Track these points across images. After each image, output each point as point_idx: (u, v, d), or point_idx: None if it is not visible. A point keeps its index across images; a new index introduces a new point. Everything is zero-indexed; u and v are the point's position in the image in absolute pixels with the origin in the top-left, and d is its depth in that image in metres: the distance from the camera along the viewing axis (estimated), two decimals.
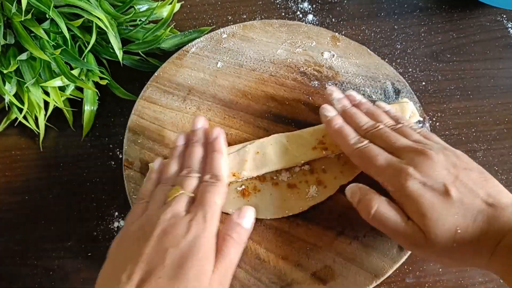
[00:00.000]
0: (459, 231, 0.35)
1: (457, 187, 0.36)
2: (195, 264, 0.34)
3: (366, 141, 0.42)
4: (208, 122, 0.46)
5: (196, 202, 0.38)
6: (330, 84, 0.51)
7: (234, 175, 0.45)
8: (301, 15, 0.60)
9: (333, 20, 0.60)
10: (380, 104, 0.47)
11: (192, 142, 0.44)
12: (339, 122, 0.45)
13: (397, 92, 0.51)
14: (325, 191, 0.45)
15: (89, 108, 0.53)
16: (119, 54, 0.51)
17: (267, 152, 0.46)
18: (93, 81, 0.53)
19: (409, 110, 0.48)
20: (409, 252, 0.44)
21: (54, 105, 0.51)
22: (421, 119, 0.49)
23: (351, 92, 0.48)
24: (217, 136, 0.43)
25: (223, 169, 0.41)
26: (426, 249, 0.37)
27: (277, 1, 0.61)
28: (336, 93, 0.47)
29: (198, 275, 0.33)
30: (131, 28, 0.55)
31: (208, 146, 0.43)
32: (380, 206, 0.39)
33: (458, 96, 0.55)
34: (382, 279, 0.43)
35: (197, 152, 0.43)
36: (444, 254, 0.36)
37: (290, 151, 0.46)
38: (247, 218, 0.39)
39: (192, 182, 0.40)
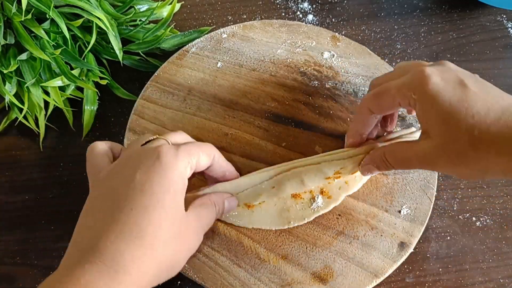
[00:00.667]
0: (476, 133, 0.32)
1: (477, 86, 0.34)
2: (159, 191, 0.33)
3: None
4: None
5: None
6: (330, 83, 0.51)
7: (248, 206, 0.45)
8: (301, 15, 0.60)
9: (333, 20, 0.60)
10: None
11: None
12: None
13: None
14: (330, 201, 0.45)
15: (89, 108, 0.53)
16: (119, 54, 0.51)
17: (282, 186, 0.44)
18: (93, 81, 0.53)
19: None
20: (409, 252, 0.44)
21: (54, 105, 0.51)
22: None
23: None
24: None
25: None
26: (442, 160, 0.35)
27: (277, 1, 0.61)
28: None
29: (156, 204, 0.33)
30: (131, 28, 0.55)
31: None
32: (388, 149, 0.39)
33: None
34: (382, 278, 0.43)
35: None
36: (462, 162, 0.34)
37: (303, 182, 0.44)
38: (231, 203, 0.42)
39: (179, 136, 0.39)
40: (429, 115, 0.35)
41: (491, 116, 0.32)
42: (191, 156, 0.36)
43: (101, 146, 0.39)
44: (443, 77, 0.35)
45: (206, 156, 0.38)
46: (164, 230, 0.33)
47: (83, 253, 0.31)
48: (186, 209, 0.37)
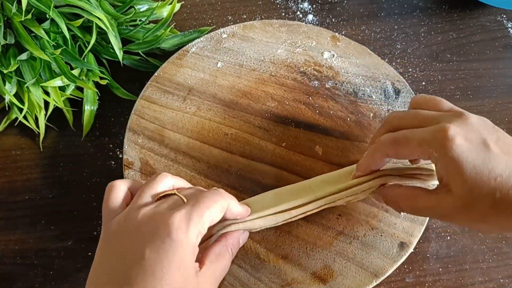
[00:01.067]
0: (498, 195, 0.33)
1: (499, 146, 0.34)
2: (169, 267, 0.32)
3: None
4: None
5: (186, 202, 0.35)
6: (330, 83, 0.51)
7: None
8: (301, 15, 0.60)
9: (333, 20, 0.60)
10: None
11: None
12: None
13: (397, 92, 0.51)
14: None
15: (89, 108, 0.53)
16: (119, 54, 0.51)
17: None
18: (93, 81, 0.53)
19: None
20: (409, 252, 0.44)
21: (54, 105, 0.51)
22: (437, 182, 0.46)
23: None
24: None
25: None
26: (461, 217, 0.35)
27: (277, 1, 0.61)
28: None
29: (171, 280, 0.32)
30: (131, 28, 0.55)
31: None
32: (403, 194, 0.38)
33: (458, 96, 0.55)
34: (382, 278, 0.43)
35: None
36: (483, 220, 0.34)
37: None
38: (243, 236, 0.40)
39: (189, 189, 0.38)
40: (451, 175, 0.35)
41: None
42: (204, 221, 0.34)
43: (120, 188, 0.38)
44: (467, 138, 0.34)
45: (219, 212, 0.36)
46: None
47: None
48: (201, 263, 0.36)
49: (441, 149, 0.34)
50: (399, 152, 0.38)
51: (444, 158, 0.34)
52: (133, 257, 0.33)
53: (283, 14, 0.60)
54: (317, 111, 0.50)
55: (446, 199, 0.35)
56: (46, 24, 0.49)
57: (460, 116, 0.36)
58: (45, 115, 0.51)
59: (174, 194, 0.36)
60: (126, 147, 0.48)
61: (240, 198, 0.46)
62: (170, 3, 0.55)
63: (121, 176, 0.48)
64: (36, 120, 0.52)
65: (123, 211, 0.36)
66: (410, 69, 0.56)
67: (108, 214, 0.37)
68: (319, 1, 0.61)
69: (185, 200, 0.35)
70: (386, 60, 0.55)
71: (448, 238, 0.48)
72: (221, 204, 0.36)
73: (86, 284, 0.34)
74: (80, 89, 0.53)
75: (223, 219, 0.39)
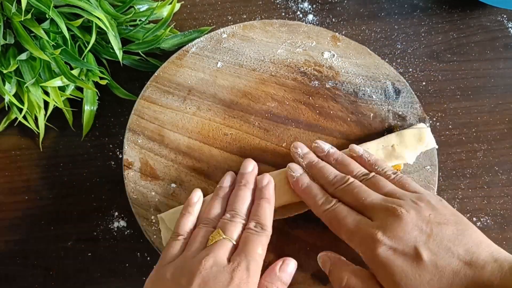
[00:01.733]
0: None
1: (430, 249, 0.34)
2: None
3: (334, 201, 0.40)
4: (257, 167, 0.45)
5: (238, 250, 0.37)
6: (330, 83, 0.51)
7: None
8: (301, 15, 0.60)
9: (333, 20, 0.60)
10: (353, 148, 0.45)
11: (240, 185, 0.42)
12: (305, 181, 0.42)
13: (397, 92, 0.51)
14: None
15: (89, 108, 0.53)
16: (119, 54, 0.51)
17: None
18: (93, 81, 0.53)
19: (426, 137, 0.46)
20: None
21: (54, 105, 0.51)
22: (436, 146, 0.46)
23: (318, 142, 0.45)
24: (268, 183, 0.42)
25: (270, 218, 0.40)
26: None
27: (277, 1, 0.61)
28: (300, 148, 0.45)
29: None
30: (131, 28, 0.55)
31: (257, 192, 0.42)
32: (350, 279, 0.37)
33: (458, 96, 0.55)
34: None
35: (245, 197, 0.41)
36: None
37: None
38: (288, 272, 0.39)
39: (236, 228, 0.39)
40: (382, 276, 0.35)
41: (444, 282, 0.33)
42: (259, 267, 0.37)
43: (186, 226, 0.41)
44: (396, 250, 0.35)
45: (266, 245, 0.39)
46: None
47: None
48: None
49: (369, 254, 0.36)
50: (330, 226, 0.40)
51: (372, 261, 0.36)
52: None
53: (283, 14, 0.60)
54: (317, 111, 0.50)
55: None
56: (46, 24, 0.49)
57: (393, 214, 0.36)
58: (45, 115, 0.51)
59: (225, 238, 0.38)
60: (126, 147, 0.48)
61: None
62: (170, 3, 0.55)
63: (121, 176, 0.48)
64: (36, 120, 0.52)
65: (180, 254, 0.38)
66: (410, 69, 0.56)
67: (165, 250, 0.39)
68: (319, 1, 0.61)
69: (234, 242, 0.38)
70: (387, 60, 0.55)
71: None
72: (266, 242, 0.39)
73: None
74: (80, 89, 0.53)
75: None
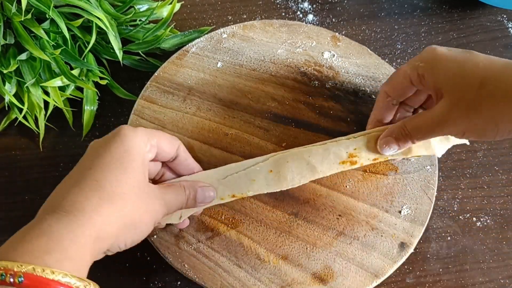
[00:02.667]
0: (484, 75, 0.35)
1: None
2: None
3: None
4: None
5: None
6: (330, 83, 0.51)
7: (234, 196, 0.43)
8: (301, 15, 0.60)
9: (334, 20, 0.60)
10: None
11: None
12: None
13: None
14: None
15: (89, 108, 0.53)
16: (119, 54, 0.51)
17: (282, 170, 0.43)
18: (93, 81, 0.53)
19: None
20: (410, 252, 0.44)
21: (54, 105, 0.51)
22: (468, 142, 0.46)
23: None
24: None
25: None
26: (453, 113, 0.37)
27: (277, 1, 0.61)
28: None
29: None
30: (131, 28, 0.55)
31: None
32: (407, 120, 0.41)
33: None
34: (382, 279, 0.43)
35: None
36: (474, 111, 0.36)
37: (312, 166, 0.43)
38: (207, 194, 0.42)
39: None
40: (438, 74, 0.38)
41: (496, 66, 0.35)
42: (151, 136, 0.39)
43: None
44: (449, 48, 0.39)
45: (168, 143, 0.40)
46: (123, 185, 0.35)
47: (48, 210, 0.34)
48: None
49: (425, 55, 0.39)
50: (394, 83, 0.43)
51: (430, 62, 0.38)
52: (89, 158, 0.37)
53: (283, 14, 0.60)
54: (317, 111, 0.50)
55: (441, 103, 0.38)
56: (46, 24, 0.49)
57: None
58: (45, 115, 0.51)
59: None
60: None
61: (241, 199, 0.46)
62: (170, 3, 0.55)
63: None
64: (36, 120, 0.52)
65: None
66: None
67: None
68: (319, 1, 0.61)
69: None
70: (387, 60, 0.55)
71: (449, 238, 0.48)
72: (172, 139, 0.41)
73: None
74: (80, 89, 0.53)
75: None
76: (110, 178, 0.35)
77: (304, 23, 0.56)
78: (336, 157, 0.43)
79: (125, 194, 0.35)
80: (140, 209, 0.36)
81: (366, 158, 0.44)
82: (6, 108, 0.52)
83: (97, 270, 0.47)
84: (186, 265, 0.43)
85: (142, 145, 0.37)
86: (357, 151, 0.43)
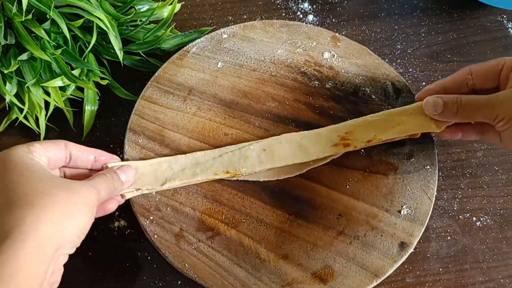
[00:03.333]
0: None
1: None
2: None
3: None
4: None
5: None
6: (330, 84, 0.51)
7: (228, 173, 0.45)
8: (301, 16, 0.60)
9: (334, 20, 0.60)
10: None
11: None
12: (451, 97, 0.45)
13: (398, 92, 0.51)
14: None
15: (89, 108, 0.53)
16: (120, 54, 0.51)
17: (276, 149, 0.46)
18: (93, 81, 0.53)
19: None
20: (410, 252, 0.44)
21: (55, 105, 0.51)
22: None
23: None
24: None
25: None
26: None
27: (278, 2, 0.61)
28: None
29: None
30: (132, 28, 0.55)
31: None
32: (465, 96, 0.42)
33: None
34: (382, 278, 0.43)
35: None
36: None
37: (304, 148, 0.46)
38: (128, 174, 0.43)
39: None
40: None
41: None
42: (30, 145, 0.38)
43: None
44: None
45: (51, 143, 0.40)
46: (23, 187, 0.34)
47: None
48: None
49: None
50: (484, 65, 0.43)
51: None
52: None
53: (284, 14, 0.60)
54: (317, 111, 0.50)
55: (505, 92, 0.39)
56: (47, 24, 0.49)
57: None
58: (46, 115, 0.51)
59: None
60: (127, 147, 0.48)
61: (242, 199, 0.46)
62: (171, 4, 0.55)
63: None
64: (37, 120, 0.52)
65: None
66: (410, 69, 0.56)
67: None
68: (320, 2, 0.61)
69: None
70: (387, 60, 0.55)
71: (448, 238, 0.48)
72: (54, 141, 0.40)
73: None
74: (81, 89, 0.53)
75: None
76: (11, 186, 0.34)
77: (304, 23, 0.56)
78: (328, 140, 0.46)
79: (29, 195, 0.33)
80: (64, 206, 0.34)
81: (359, 140, 0.46)
82: (7, 108, 0.52)
83: (97, 270, 0.48)
84: (186, 264, 0.43)
85: (24, 153, 0.37)
86: (349, 135, 0.46)
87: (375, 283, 0.43)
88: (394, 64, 0.57)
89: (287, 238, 0.44)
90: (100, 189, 0.39)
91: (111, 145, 0.53)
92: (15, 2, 0.46)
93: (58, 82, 0.49)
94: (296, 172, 0.47)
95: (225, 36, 0.54)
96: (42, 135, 0.52)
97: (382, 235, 0.44)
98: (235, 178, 0.46)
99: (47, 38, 0.47)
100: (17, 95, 0.50)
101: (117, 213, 0.50)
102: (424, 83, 0.55)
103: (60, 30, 0.48)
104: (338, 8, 0.61)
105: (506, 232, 0.49)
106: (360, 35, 0.59)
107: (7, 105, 0.51)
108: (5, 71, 0.47)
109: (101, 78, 0.52)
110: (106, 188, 0.40)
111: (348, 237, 0.44)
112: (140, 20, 0.56)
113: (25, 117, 0.51)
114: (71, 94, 0.51)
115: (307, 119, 0.50)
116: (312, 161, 0.47)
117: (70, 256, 0.49)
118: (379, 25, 0.59)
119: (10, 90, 0.49)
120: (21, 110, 0.50)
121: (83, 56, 0.51)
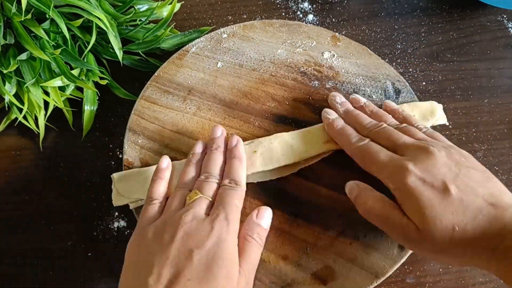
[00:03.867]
0: (457, 229, 0.35)
1: (457, 185, 0.36)
2: (222, 265, 0.34)
3: (367, 140, 0.43)
4: (226, 131, 0.47)
5: (216, 204, 0.38)
6: (330, 84, 0.51)
7: None
8: (301, 15, 0.60)
9: (334, 20, 0.60)
10: (388, 103, 0.48)
11: (211, 149, 0.44)
12: (340, 123, 0.45)
13: (398, 92, 0.51)
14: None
15: (89, 108, 0.53)
16: (119, 54, 0.51)
17: (266, 151, 0.46)
18: (93, 81, 0.53)
19: (437, 112, 0.49)
20: (410, 252, 0.44)
21: (54, 105, 0.51)
22: (447, 123, 0.49)
23: (355, 95, 0.49)
24: (237, 143, 0.44)
25: (243, 175, 0.42)
26: (422, 246, 0.37)
27: (277, 1, 0.61)
28: (339, 97, 0.48)
29: (227, 276, 0.34)
30: (131, 28, 0.55)
31: (228, 153, 0.43)
32: (376, 202, 0.40)
33: (458, 96, 0.55)
34: (382, 279, 0.43)
35: (217, 159, 0.43)
36: (441, 252, 0.36)
37: (296, 147, 0.46)
38: (266, 219, 0.40)
39: (211, 186, 0.40)
40: (408, 205, 0.37)
41: (467, 215, 0.35)
42: (237, 216, 0.38)
43: (159, 191, 0.42)
44: (425, 180, 0.37)
45: (242, 199, 0.40)
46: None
47: None
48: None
49: (398, 183, 0.38)
50: (365, 162, 0.42)
51: (401, 191, 0.38)
52: (181, 261, 0.34)
53: (283, 14, 0.60)
54: (317, 111, 0.50)
55: (410, 224, 0.37)
56: (46, 24, 0.49)
57: (425, 151, 0.38)
58: (45, 115, 0.51)
59: (202, 196, 0.39)
60: (126, 147, 0.48)
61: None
62: (170, 3, 0.55)
63: None
64: (36, 120, 0.52)
65: (158, 217, 0.39)
66: (410, 69, 0.56)
67: (143, 213, 0.40)
68: (320, 1, 0.61)
69: (211, 199, 0.39)
70: (387, 60, 0.55)
71: None
72: (242, 197, 0.40)
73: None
74: (80, 89, 0.53)
75: None
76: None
77: (304, 23, 0.56)
78: (319, 138, 0.47)
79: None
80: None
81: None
82: (6, 108, 0.52)
83: (99, 270, 0.48)
84: None
85: (235, 242, 0.37)
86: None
87: (375, 284, 0.43)
88: (394, 64, 0.57)
89: (287, 239, 0.44)
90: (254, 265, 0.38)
91: (111, 145, 0.53)
92: (15, 2, 0.46)
93: (57, 82, 0.49)
94: (289, 171, 0.46)
95: (225, 35, 0.54)
96: (42, 135, 0.52)
97: (382, 236, 0.44)
98: None
99: (47, 38, 0.47)
100: (17, 95, 0.50)
101: (116, 213, 0.50)
102: (424, 83, 0.55)
103: (60, 30, 0.48)
104: (338, 8, 0.60)
105: None
106: (360, 34, 0.59)
107: (6, 105, 0.51)
108: (5, 71, 0.47)
109: (101, 78, 0.52)
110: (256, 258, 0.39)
111: (348, 237, 0.44)
112: (140, 20, 0.56)
113: (25, 117, 0.51)
114: (70, 94, 0.51)
115: (307, 119, 0.50)
116: (304, 160, 0.46)
117: (70, 256, 0.49)
118: (379, 24, 0.59)
119: (9, 90, 0.49)
120: (21, 110, 0.50)
121: (83, 56, 0.51)
